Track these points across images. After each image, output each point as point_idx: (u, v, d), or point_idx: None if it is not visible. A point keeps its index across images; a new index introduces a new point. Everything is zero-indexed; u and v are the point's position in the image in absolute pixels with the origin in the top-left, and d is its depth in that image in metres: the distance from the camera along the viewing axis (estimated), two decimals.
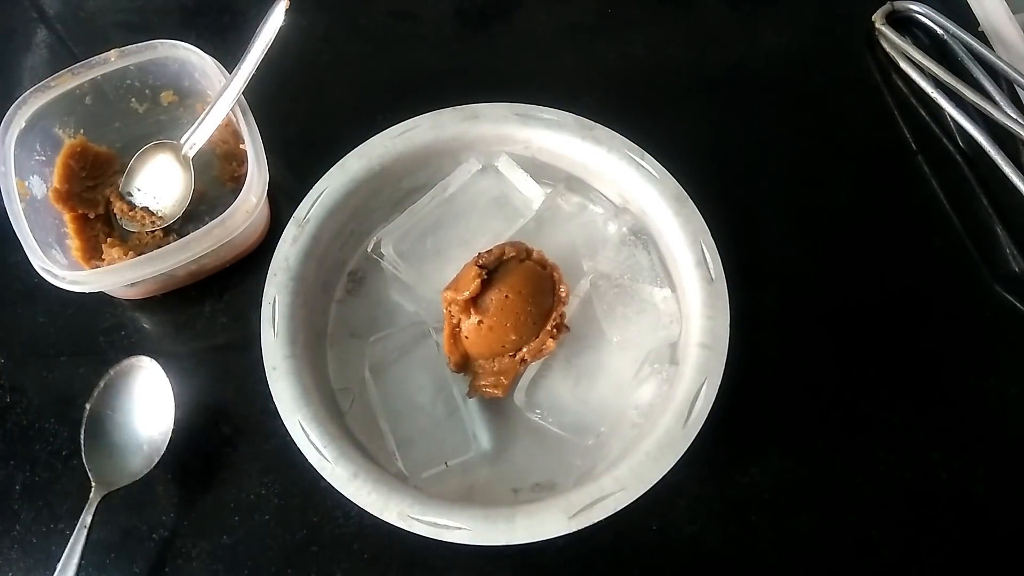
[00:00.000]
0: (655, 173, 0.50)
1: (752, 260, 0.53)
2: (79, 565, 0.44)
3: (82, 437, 0.47)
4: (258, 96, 0.53)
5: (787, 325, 0.53)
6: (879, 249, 0.56)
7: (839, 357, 0.53)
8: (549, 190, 0.53)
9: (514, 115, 0.52)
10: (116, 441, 0.48)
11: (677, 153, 0.51)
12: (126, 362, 0.48)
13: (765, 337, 0.52)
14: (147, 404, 0.48)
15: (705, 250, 0.48)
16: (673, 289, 0.50)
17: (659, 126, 0.54)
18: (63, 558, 0.45)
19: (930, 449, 0.50)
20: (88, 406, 0.48)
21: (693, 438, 0.44)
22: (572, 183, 0.54)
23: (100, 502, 0.46)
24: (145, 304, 0.54)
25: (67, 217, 0.53)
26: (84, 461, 0.47)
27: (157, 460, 0.47)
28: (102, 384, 0.48)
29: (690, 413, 0.44)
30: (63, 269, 0.47)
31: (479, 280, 0.45)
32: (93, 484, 0.46)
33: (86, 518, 0.45)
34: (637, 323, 0.49)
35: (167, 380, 0.48)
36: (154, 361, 0.48)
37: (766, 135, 0.60)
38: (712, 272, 0.48)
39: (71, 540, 0.45)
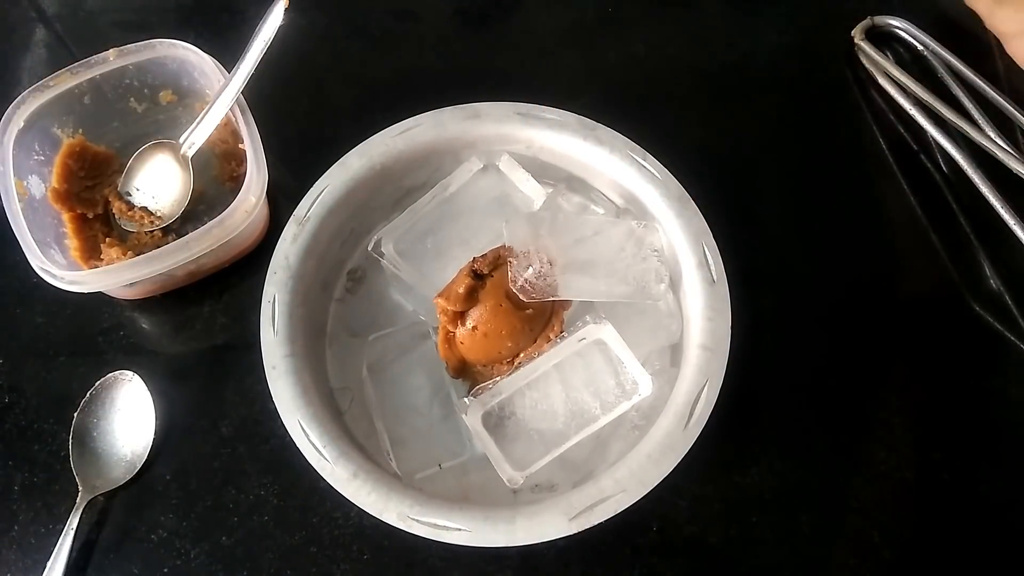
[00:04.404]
0: (657, 174, 0.50)
1: (753, 262, 0.52)
2: (66, 567, 0.45)
3: (70, 444, 0.49)
4: (257, 95, 0.52)
5: (787, 326, 0.53)
6: (880, 251, 0.56)
7: (840, 357, 0.52)
8: (550, 190, 0.52)
9: (516, 114, 0.52)
10: (100, 449, 0.49)
11: (678, 153, 0.51)
12: (110, 375, 0.50)
13: (766, 338, 0.52)
14: (129, 417, 0.50)
15: (707, 251, 0.48)
16: (675, 290, 0.50)
17: (660, 125, 0.53)
18: (50, 561, 0.45)
19: (931, 450, 0.50)
20: (75, 415, 0.49)
21: (694, 440, 0.43)
22: (573, 183, 0.54)
23: (86, 505, 0.47)
24: (144, 304, 0.54)
25: (66, 217, 0.53)
26: (72, 467, 0.48)
27: (139, 468, 0.48)
28: (88, 395, 0.50)
29: (691, 415, 0.44)
30: (62, 269, 0.47)
31: (466, 294, 0.44)
32: (80, 489, 0.48)
33: (72, 521, 0.46)
34: (638, 324, 0.49)
35: (149, 394, 0.50)
36: (136, 375, 0.50)
37: (768, 135, 0.60)
38: (714, 273, 0.48)
39: (58, 543, 0.46)
